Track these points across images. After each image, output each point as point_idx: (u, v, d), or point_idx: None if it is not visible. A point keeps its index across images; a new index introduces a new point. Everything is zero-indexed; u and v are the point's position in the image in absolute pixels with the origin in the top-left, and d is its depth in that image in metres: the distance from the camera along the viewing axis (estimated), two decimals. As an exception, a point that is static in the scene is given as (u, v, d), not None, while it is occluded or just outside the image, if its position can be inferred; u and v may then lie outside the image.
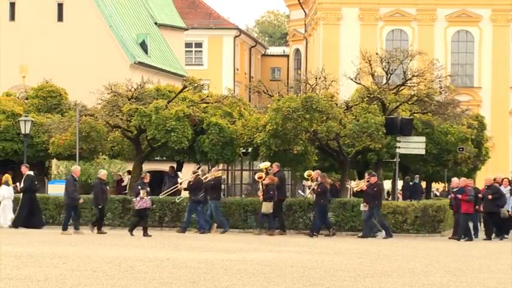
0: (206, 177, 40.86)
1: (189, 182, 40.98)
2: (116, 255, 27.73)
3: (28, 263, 23.72)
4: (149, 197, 38.31)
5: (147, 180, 39.24)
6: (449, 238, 38.49)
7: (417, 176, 47.89)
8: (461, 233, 38.09)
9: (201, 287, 18.77)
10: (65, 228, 37.50)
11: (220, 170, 44.21)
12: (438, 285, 20.17)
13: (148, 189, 38.22)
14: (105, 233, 37.62)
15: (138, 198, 37.05)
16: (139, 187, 37.56)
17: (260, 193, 40.49)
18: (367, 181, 39.39)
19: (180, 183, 43.69)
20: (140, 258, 27.01)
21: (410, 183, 48.76)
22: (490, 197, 38.30)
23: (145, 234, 36.67)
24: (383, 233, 38.79)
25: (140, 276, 20.64)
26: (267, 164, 40.94)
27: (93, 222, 38.86)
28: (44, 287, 18.45)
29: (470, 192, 37.46)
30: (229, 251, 30.00)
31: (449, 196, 40.72)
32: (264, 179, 40.32)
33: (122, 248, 31.23)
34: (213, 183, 40.44)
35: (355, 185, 41.42)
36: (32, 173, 42.57)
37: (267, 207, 39.58)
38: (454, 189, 39.38)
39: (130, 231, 37.55)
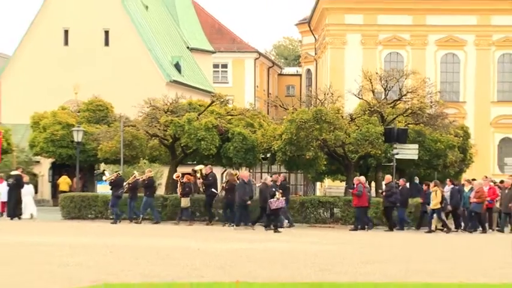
0: (142, 178, 40.75)
1: (143, 180, 40.51)
2: (155, 245, 27.86)
3: (81, 252, 24.18)
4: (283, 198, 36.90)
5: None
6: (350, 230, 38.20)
7: (416, 177, 47.86)
8: (359, 224, 37.95)
9: (228, 272, 19.01)
10: (237, 225, 37.29)
11: (152, 171, 43.64)
12: (429, 271, 20.26)
13: (280, 191, 36.96)
14: (280, 232, 36.65)
15: (275, 199, 35.93)
16: (274, 189, 36.63)
17: (178, 190, 40.67)
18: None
19: (105, 180, 43.46)
20: (176, 247, 27.15)
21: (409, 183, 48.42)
22: (384, 193, 38.44)
23: (276, 230, 35.22)
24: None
25: (175, 262, 20.94)
26: (201, 166, 41.27)
27: (265, 224, 38.01)
28: (93, 272, 18.85)
29: (359, 188, 37.46)
30: (252, 241, 30.01)
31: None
32: (181, 178, 40.47)
33: (162, 239, 31.16)
34: (147, 183, 40.33)
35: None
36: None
37: (184, 202, 39.76)
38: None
39: (266, 227, 36.51)
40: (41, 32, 64.39)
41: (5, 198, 42.12)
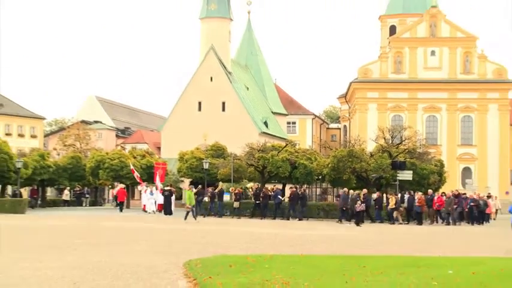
0: (218, 189, 40.48)
1: (218, 190, 40.37)
2: (247, 230, 27.18)
3: (203, 234, 24.03)
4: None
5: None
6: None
7: (412, 190, 47.02)
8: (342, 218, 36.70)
9: (295, 249, 18.72)
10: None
11: (223, 185, 43.26)
12: (414, 249, 19.83)
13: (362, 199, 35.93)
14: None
15: (359, 203, 34.90)
16: (357, 198, 35.48)
17: (232, 197, 40.53)
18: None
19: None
20: (260, 232, 26.77)
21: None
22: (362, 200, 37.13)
23: (357, 225, 33.68)
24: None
25: (262, 242, 20.87)
26: (251, 184, 41.25)
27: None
28: (217, 247, 18.85)
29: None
30: (310, 229, 29.69)
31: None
32: (234, 190, 40.58)
33: (246, 227, 29.97)
34: (219, 192, 40.10)
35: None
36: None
37: (236, 204, 39.43)
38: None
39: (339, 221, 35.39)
40: (185, 103, 65.06)
41: (161, 202, 42.69)
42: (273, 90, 79.08)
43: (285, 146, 46.23)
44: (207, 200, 40.56)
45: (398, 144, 44.78)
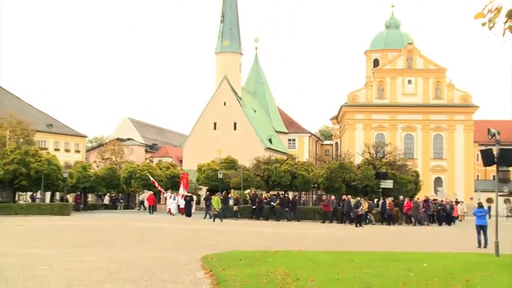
0: (223, 195, 39.34)
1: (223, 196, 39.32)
2: (256, 230, 26.99)
3: (217, 234, 23.84)
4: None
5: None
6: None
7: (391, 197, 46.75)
8: (327, 219, 36.83)
9: (294, 245, 18.63)
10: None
11: (230, 192, 41.96)
12: (394, 246, 19.70)
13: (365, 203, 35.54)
14: None
15: (360, 209, 34.28)
16: (360, 203, 34.93)
17: (232, 202, 39.55)
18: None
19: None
20: (268, 231, 26.54)
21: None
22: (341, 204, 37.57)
23: (357, 226, 33.06)
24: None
25: (269, 240, 20.56)
26: (248, 190, 40.90)
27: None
28: (227, 244, 18.66)
29: (325, 202, 37.52)
30: (307, 229, 29.62)
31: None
32: (234, 195, 40.28)
33: (253, 227, 29.83)
34: (223, 199, 38.62)
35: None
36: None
37: (235, 208, 39.29)
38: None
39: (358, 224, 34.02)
40: (203, 123, 64.42)
41: (183, 206, 42.73)
42: (276, 113, 78.53)
43: (286, 160, 45.96)
44: (231, 204, 40.09)
45: (381, 157, 45.00)
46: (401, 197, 39.18)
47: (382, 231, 29.37)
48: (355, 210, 34.75)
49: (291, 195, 42.32)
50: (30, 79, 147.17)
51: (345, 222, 35.89)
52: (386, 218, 37.43)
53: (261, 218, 38.53)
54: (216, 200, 34.59)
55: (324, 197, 39.90)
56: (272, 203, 39.42)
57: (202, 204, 44.01)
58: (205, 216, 37.93)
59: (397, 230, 30.99)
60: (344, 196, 37.70)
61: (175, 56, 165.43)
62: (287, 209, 38.52)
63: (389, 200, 38.17)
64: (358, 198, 36.69)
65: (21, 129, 57.72)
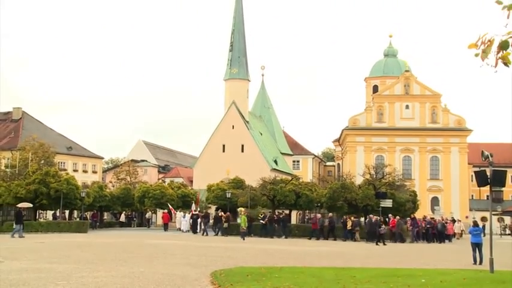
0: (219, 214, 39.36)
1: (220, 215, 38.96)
2: (262, 247, 26.79)
3: (224, 250, 23.36)
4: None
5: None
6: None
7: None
8: (314, 236, 36.94)
9: (297, 261, 18.40)
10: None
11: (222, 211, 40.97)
12: (393, 262, 19.47)
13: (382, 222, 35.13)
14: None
15: (382, 228, 33.98)
16: (381, 222, 34.73)
17: (224, 220, 38.67)
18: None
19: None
20: (273, 248, 26.33)
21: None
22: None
23: (377, 244, 32.56)
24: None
25: (275, 257, 20.33)
26: (242, 209, 40.02)
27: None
28: (233, 261, 18.30)
29: (313, 220, 38.13)
30: (310, 246, 29.45)
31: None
32: (224, 214, 39.22)
33: (259, 244, 29.84)
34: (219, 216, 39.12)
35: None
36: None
37: (225, 225, 38.43)
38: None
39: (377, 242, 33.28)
40: (212, 145, 64.27)
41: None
42: (282, 136, 78.47)
43: (291, 180, 45.76)
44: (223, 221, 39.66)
45: (381, 178, 44.59)
46: (390, 215, 38.79)
47: (376, 249, 29.10)
48: (378, 229, 34.30)
49: (284, 213, 42.13)
50: (49, 102, 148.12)
51: (335, 239, 36.10)
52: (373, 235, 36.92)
53: (275, 236, 37.92)
54: (243, 219, 34.72)
55: (312, 216, 39.98)
56: (261, 221, 39.55)
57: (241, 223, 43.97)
58: (203, 233, 38.43)
59: (396, 248, 30.69)
60: (372, 215, 37.20)
61: (186, 83, 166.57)
62: (276, 225, 38.66)
63: (375, 218, 36.99)
64: (377, 217, 36.28)
65: (43, 152, 58.19)
